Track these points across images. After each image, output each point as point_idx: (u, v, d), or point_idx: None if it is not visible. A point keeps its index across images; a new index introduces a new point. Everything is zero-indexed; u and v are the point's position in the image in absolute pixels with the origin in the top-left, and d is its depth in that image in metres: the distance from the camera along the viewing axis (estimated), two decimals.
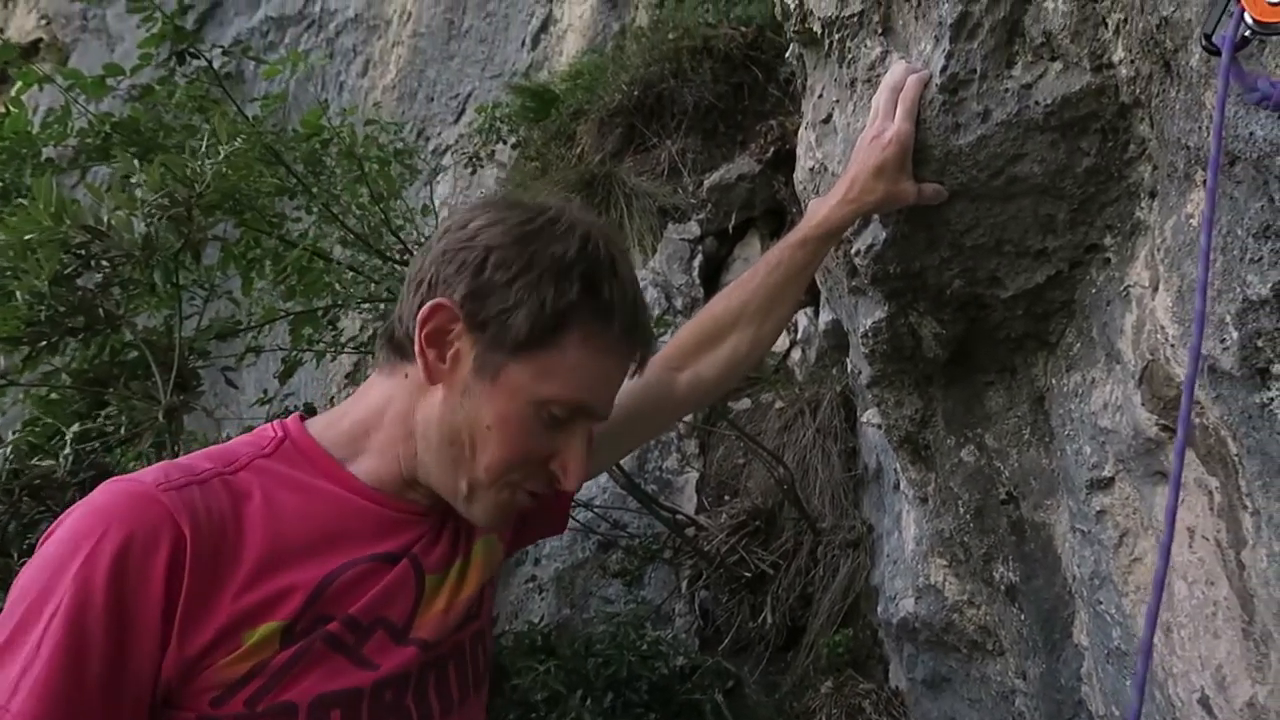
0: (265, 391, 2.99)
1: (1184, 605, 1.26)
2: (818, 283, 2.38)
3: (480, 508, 0.98)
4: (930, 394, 1.80)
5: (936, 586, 2.01)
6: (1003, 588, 1.76)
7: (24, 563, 1.49)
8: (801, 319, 3.70)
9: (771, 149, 3.65)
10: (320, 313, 2.42)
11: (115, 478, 0.90)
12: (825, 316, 2.57)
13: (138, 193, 1.64)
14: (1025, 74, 1.32)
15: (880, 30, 1.50)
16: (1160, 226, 1.23)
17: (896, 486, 2.32)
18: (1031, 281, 1.48)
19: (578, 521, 2.97)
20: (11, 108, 2.30)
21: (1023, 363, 1.63)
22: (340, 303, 2.36)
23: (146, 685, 0.84)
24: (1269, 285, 1.01)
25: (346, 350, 2.61)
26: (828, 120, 1.68)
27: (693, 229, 4.04)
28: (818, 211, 1.40)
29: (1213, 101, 1.03)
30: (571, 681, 2.19)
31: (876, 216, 1.53)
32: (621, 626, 2.41)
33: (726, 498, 3.10)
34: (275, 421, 1.01)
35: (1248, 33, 0.79)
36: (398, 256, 2.79)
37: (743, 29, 4.48)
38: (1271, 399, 1.04)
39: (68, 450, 1.58)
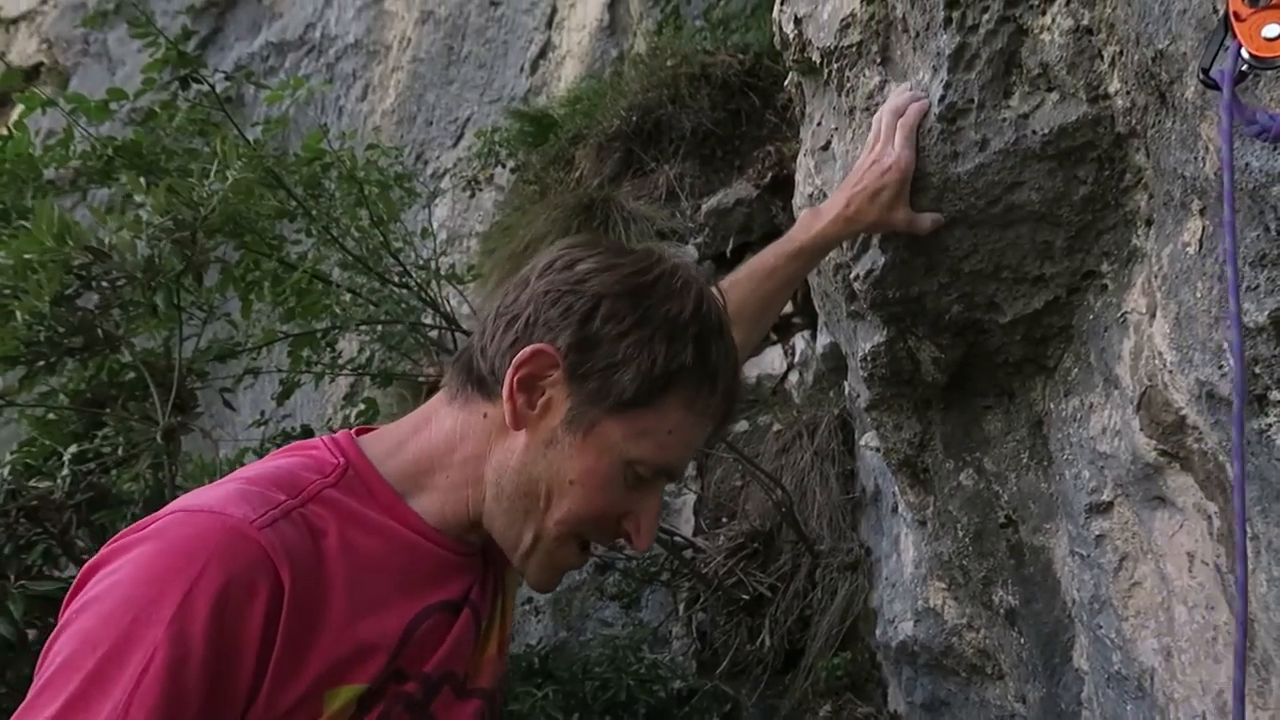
0: (262, 413, 3.00)
1: (1184, 630, 1.27)
2: (816, 306, 2.39)
3: (537, 563, 0.94)
4: (929, 418, 1.82)
5: (935, 610, 2.02)
6: (1002, 611, 1.76)
7: (20, 585, 1.50)
8: (799, 342, 3.71)
9: (769, 174, 3.68)
10: (319, 334, 2.43)
11: (187, 506, 0.82)
12: (823, 340, 2.58)
13: (142, 214, 1.65)
14: (1022, 104, 1.34)
15: (879, 60, 1.53)
16: (1157, 254, 1.24)
17: (895, 510, 2.32)
18: (1029, 307, 1.50)
19: None
20: (15, 131, 2.32)
21: (1021, 387, 1.64)
22: (340, 325, 2.37)
23: None
24: (1266, 313, 1.02)
25: (344, 372, 2.61)
26: (826, 147, 1.70)
27: (690, 253, 4.06)
28: (812, 225, 1.42)
29: (1208, 133, 1.05)
30: (569, 706, 2.18)
31: (876, 242, 1.54)
32: (619, 649, 2.40)
33: (724, 520, 3.11)
34: (327, 440, 0.94)
35: (1244, 67, 0.81)
36: (396, 279, 2.81)
37: (740, 56, 4.52)
38: (1269, 425, 1.06)
39: (65, 471, 1.59)
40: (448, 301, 3.12)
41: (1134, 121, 1.25)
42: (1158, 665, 1.31)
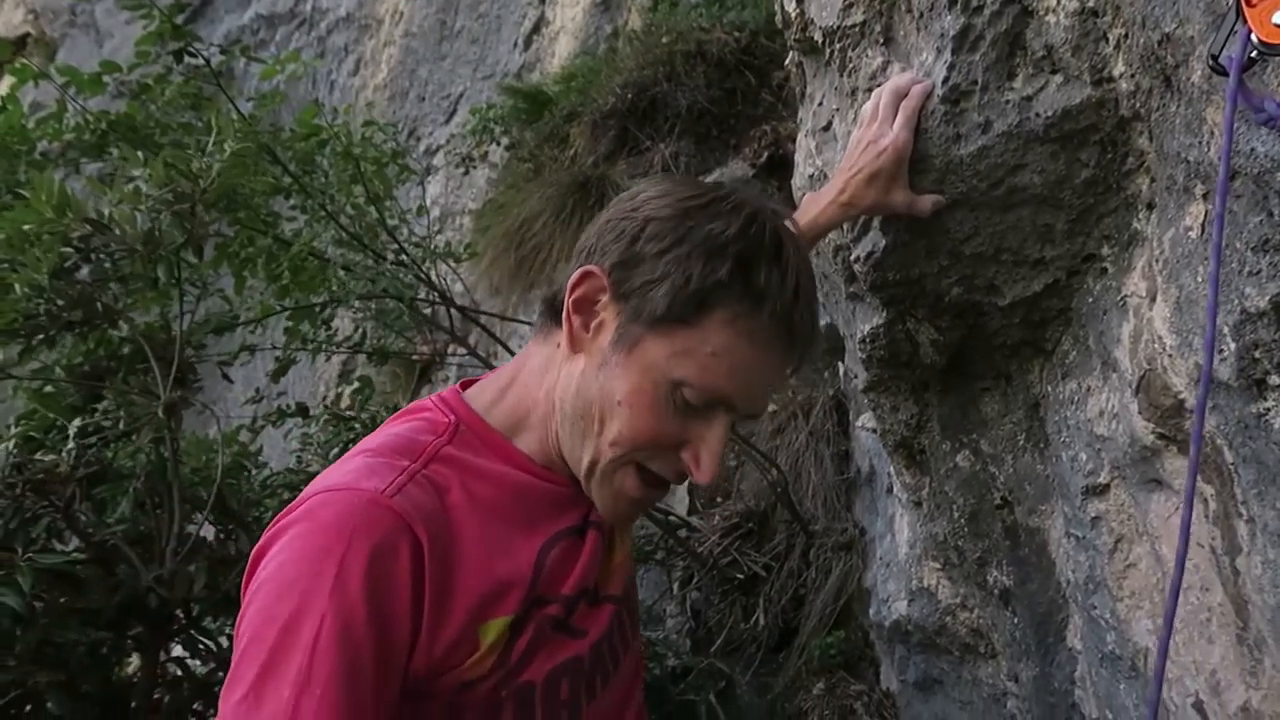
0: (257, 390, 2.99)
1: (1179, 611, 1.28)
2: None
3: (599, 489, 0.96)
4: (926, 399, 1.82)
5: (930, 590, 2.03)
6: (996, 591, 1.78)
7: (28, 558, 1.51)
8: None
9: (765, 154, 3.68)
10: (317, 309, 2.42)
11: (327, 486, 0.88)
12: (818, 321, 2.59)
13: (141, 186, 1.64)
14: (1026, 86, 1.34)
15: (882, 40, 1.52)
16: (1159, 238, 1.25)
17: (890, 490, 2.34)
18: (1029, 290, 1.50)
19: None
20: (6, 104, 2.29)
21: (1019, 369, 1.65)
22: (337, 299, 2.36)
23: (401, 685, 0.85)
24: (1267, 298, 1.03)
25: (340, 350, 2.60)
26: (828, 128, 1.70)
27: None
28: (809, 210, 1.42)
29: (1214, 117, 1.05)
30: None
31: (876, 224, 1.55)
32: None
33: (719, 500, 3.12)
34: (435, 399, 1.00)
35: (1254, 53, 0.81)
36: (392, 256, 2.80)
37: (736, 34, 4.50)
38: (1268, 409, 1.06)
39: (70, 444, 1.59)
40: (443, 279, 3.11)
41: (1138, 105, 1.26)
42: (1152, 645, 1.33)
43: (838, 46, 1.59)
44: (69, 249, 1.66)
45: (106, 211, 1.69)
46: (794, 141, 3.75)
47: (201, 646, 1.87)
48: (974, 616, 1.94)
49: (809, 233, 1.43)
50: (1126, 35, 1.22)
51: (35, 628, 1.34)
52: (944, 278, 1.53)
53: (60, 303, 1.76)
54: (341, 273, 2.45)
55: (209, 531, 1.95)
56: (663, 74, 4.45)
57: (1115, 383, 1.39)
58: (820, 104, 1.71)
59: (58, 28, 9.92)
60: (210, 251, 2.53)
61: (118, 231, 1.66)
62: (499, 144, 5.24)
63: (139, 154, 1.74)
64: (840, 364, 2.98)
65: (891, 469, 2.16)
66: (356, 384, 2.71)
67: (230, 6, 8.78)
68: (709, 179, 4.06)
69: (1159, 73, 1.17)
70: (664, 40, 4.57)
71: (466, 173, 5.46)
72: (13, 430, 1.70)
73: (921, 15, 1.42)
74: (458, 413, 0.98)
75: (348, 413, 2.49)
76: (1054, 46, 1.30)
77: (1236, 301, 1.08)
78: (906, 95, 1.37)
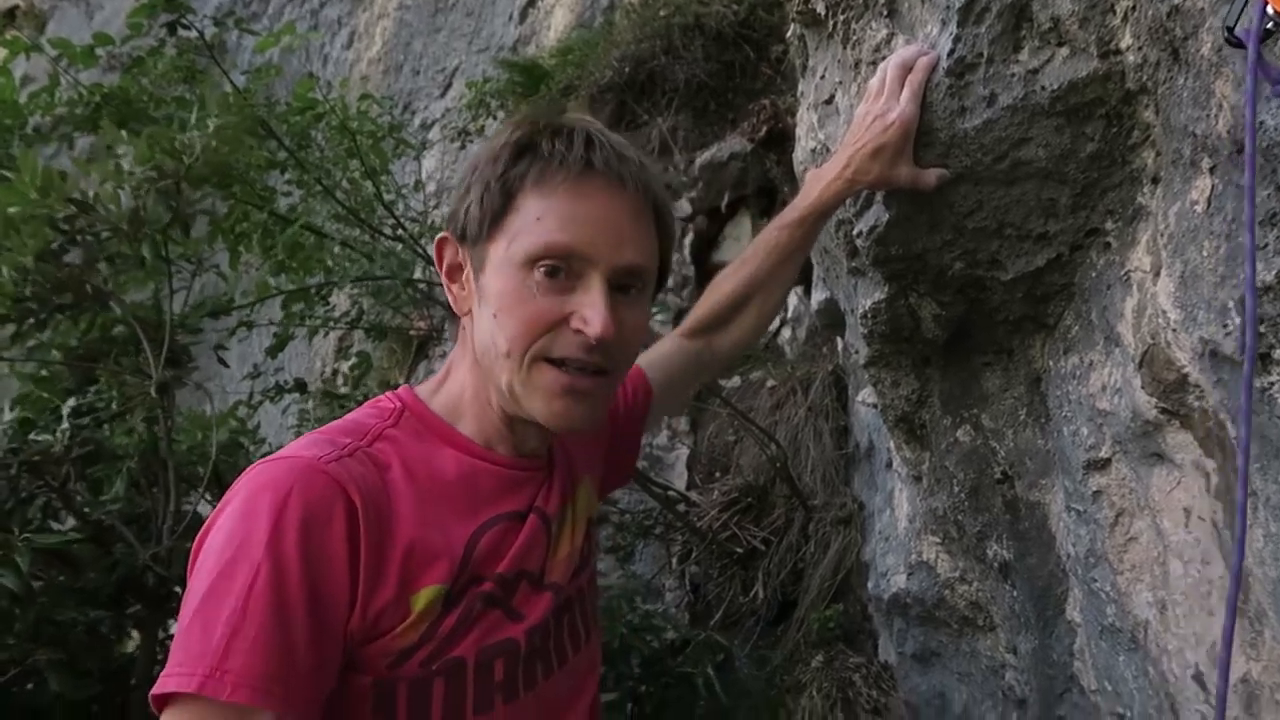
0: (255, 366, 2.98)
1: (1179, 584, 1.29)
2: (813, 262, 2.38)
3: (529, 399, 0.97)
4: (927, 374, 1.82)
5: (929, 563, 2.04)
6: (996, 565, 1.79)
7: (25, 538, 1.51)
8: (791, 298, 3.71)
9: (764, 128, 3.64)
10: (314, 290, 2.40)
11: (266, 459, 0.92)
12: (818, 295, 2.57)
13: (124, 165, 1.62)
14: (1032, 59, 1.32)
15: (886, 12, 1.50)
16: (1164, 213, 1.24)
17: (889, 465, 2.34)
18: (1032, 265, 1.49)
19: None
20: None
21: (1020, 344, 1.65)
22: (335, 280, 2.35)
23: (341, 646, 0.87)
24: (1274, 272, 1.02)
25: (338, 327, 2.59)
26: (830, 101, 1.68)
27: (684, 207, 4.03)
28: (812, 189, 1.42)
29: (1223, 90, 1.04)
30: None
31: (879, 198, 1.53)
32: (614, 600, 2.43)
33: (717, 474, 3.13)
34: (389, 393, 1.05)
35: (1270, 25, 0.80)
36: (389, 231, 2.78)
37: (734, 6, 4.45)
38: (1272, 383, 1.06)
39: (65, 425, 1.58)
40: None
41: (1144, 78, 1.24)
42: (1152, 618, 1.34)
43: (841, 18, 1.57)
44: (55, 231, 1.64)
45: (91, 191, 1.66)
46: (793, 116, 3.72)
47: None
48: (973, 590, 1.94)
49: (815, 212, 1.42)
50: (1134, 7, 1.21)
51: (34, 607, 1.34)
52: (947, 252, 1.52)
53: (48, 285, 1.74)
54: (338, 250, 2.43)
55: (206, 509, 1.95)
56: (660, 47, 4.40)
57: (1118, 357, 1.39)
58: (823, 77, 1.69)
59: (47, 0, 9.80)
60: (204, 227, 2.51)
61: (102, 211, 1.64)
62: (495, 118, 5.20)
63: (122, 131, 1.71)
64: (839, 339, 2.98)
65: (891, 444, 2.17)
66: (355, 359, 2.69)
67: None
68: (707, 154, 4.04)
69: (1167, 45, 1.15)
70: (661, 13, 4.52)
71: (463, 147, 5.41)
72: (8, 414, 1.69)
73: None
74: (404, 400, 1.03)
75: (344, 389, 2.48)
76: (1060, 18, 1.28)
77: (1242, 276, 1.07)
78: (912, 69, 1.36)
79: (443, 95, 6.88)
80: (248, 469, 0.92)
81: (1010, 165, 1.39)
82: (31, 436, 1.56)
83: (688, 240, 3.95)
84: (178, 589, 1.79)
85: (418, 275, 2.90)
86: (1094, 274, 1.45)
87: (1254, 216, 0.89)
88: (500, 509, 0.99)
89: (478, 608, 0.94)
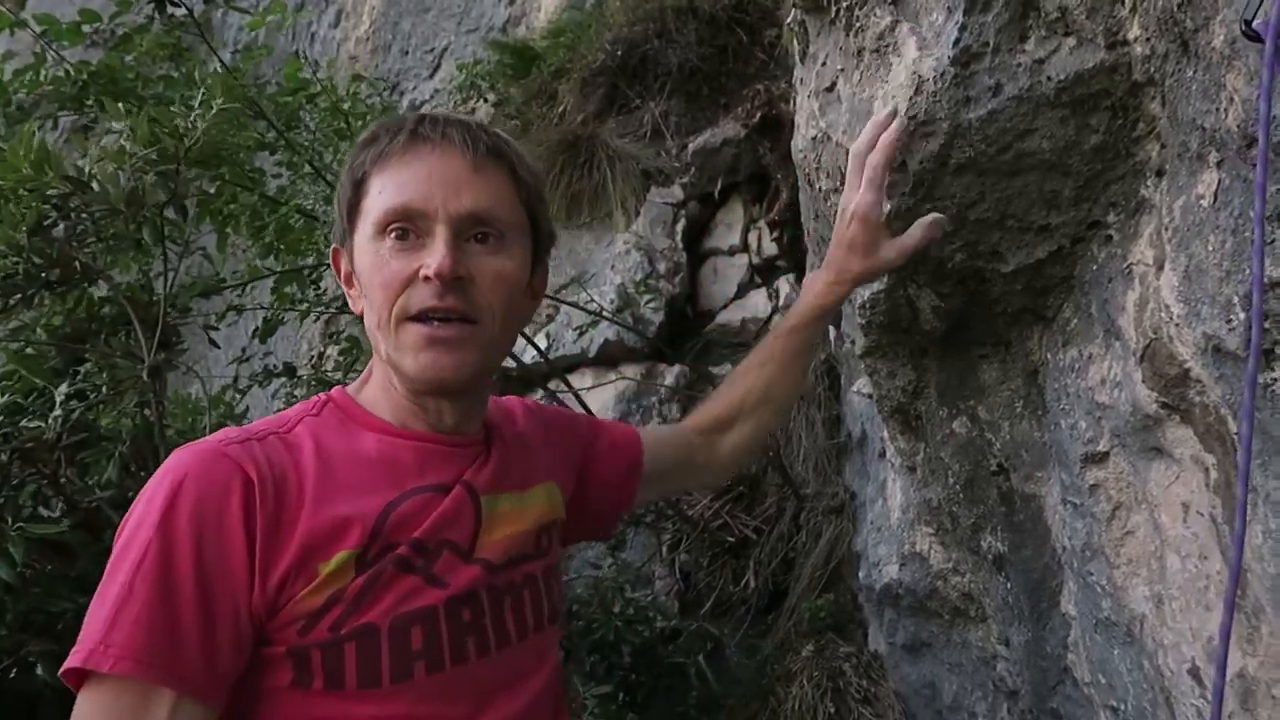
0: (243, 350, 2.95)
1: (1176, 578, 1.29)
2: (810, 251, 2.37)
3: (400, 355, 1.01)
4: (924, 365, 1.82)
5: (922, 554, 2.04)
6: (989, 557, 1.79)
7: (19, 527, 1.48)
8: (784, 285, 3.70)
9: (758, 114, 3.62)
10: (306, 271, 2.37)
11: (182, 446, 0.98)
12: None
13: (124, 144, 1.59)
14: (1038, 49, 1.31)
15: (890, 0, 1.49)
16: (1169, 206, 1.23)
17: (882, 455, 2.34)
18: (1033, 256, 1.49)
19: None
20: None
21: (1018, 336, 1.64)
22: (327, 263, 2.31)
23: (244, 620, 0.90)
24: (1278, 269, 1.02)
25: (329, 310, 2.56)
26: (832, 89, 1.66)
27: (676, 193, 4.01)
28: (806, 294, 1.44)
29: (1234, 83, 1.03)
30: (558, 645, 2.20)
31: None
32: (605, 589, 2.42)
33: None
34: (323, 393, 1.11)
35: None
36: None
37: None
38: (1275, 379, 1.06)
39: (57, 411, 1.55)
40: None
41: (1152, 70, 1.23)
42: (1148, 612, 1.34)
43: (844, 5, 1.55)
44: (48, 207, 1.61)
45: (87, 169, 1.63)
46: (787, 102, 3.70)
47: None
48: (965, 581, 1.95)
49: (811, 319, 1.43)
50: None
51: (26, 597, 1.32)
52: (947, 243, 1.51)
53: (38, 261, 1.71)
54: (331, 232, 2.40)
55: None
56: (653, 31, 4.36)
57: (1118, 351, 1.38)
58: (824, 64, 1.68)
59: None
60: (191, 208, 2.47)
61: (98, 190, 1.61)
62: (486, 100, 5.15)
63: (120, 107, 1.68)
64: (830, 328, 2.97)
65: (885, 434, 2.16)
66: (344, 344, 2.67)
67: None
68: (699, 140, 4.01)
69: (1176, 36, 1.14)
70: None
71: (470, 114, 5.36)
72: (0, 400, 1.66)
73: None
74: (332, 395, 1.09)
75: (335, 375, 2.46)
76: (1068, 8, 1.27)
77: (1249, 272, 1.06)
78: (876, 147, 1.34)
79: (431, 76, 6.81)
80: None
81: (1014, 156, 1.38)
82: (24, 424, 1.54)
83: (679, 227, 3.93)
84: None
85: None
86: (1095, 267, 1.44)
87: (1263, 212, 0.89)
88: (423, 481, 1.02)
89: (389, 571, 0.95)
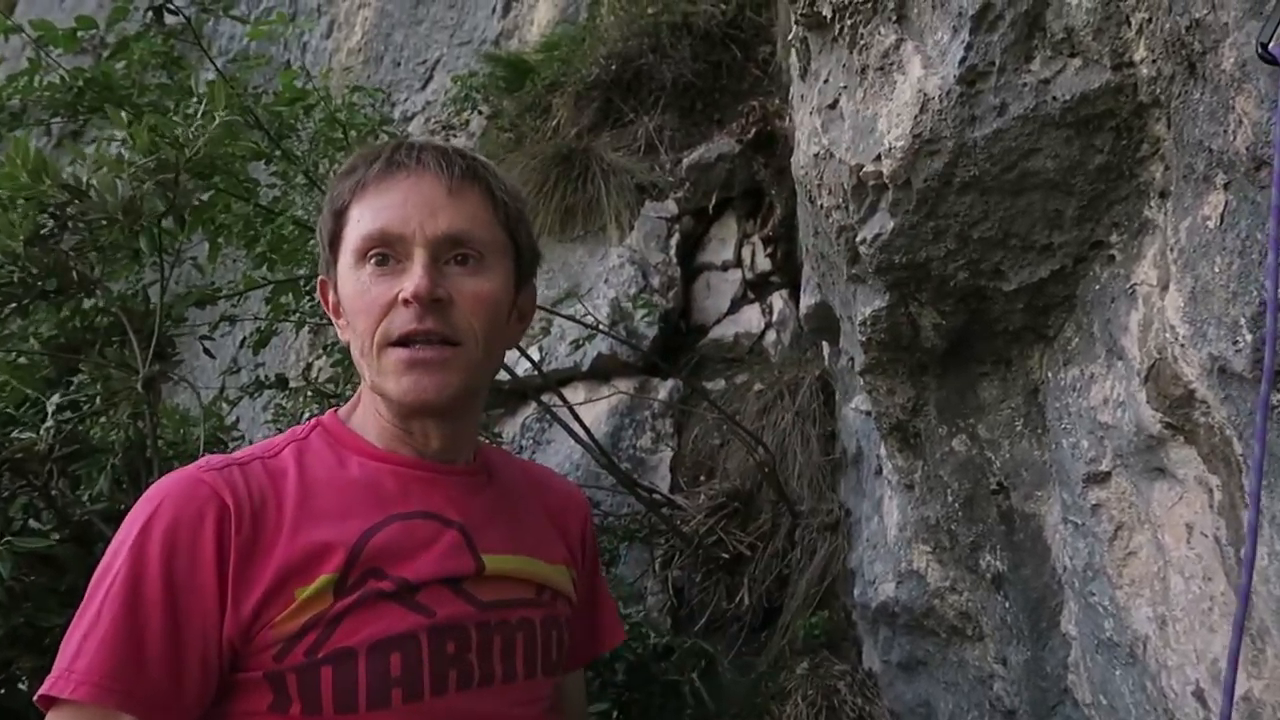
0: (234, 360, 2.92)
1: (1180, 600, 1.29)
2: (807, 268, 2.37)
3: (384, 379, 1.00)
4: (924, 383, 1.81)
5: (919, 572, 2.04)
6: (988, 576, 1.78)
7: (7, 542, 1.46)
8: (777, 301, 3.70)
9: (753, 129, 3.63)
10: (302, 281, 2.36)
11: (167, 474, 0.99)
12: (806, 300, 2.56)
13: (124, 152, 1.57)
14: (1044, 69, 1.32)
15: (895, 17, 1.49)
16: (1174, 227, 1.24)
17: (878, 472, 2.33)
18: (1035, 276, 1.49)
19: None
20: None
21: (1019, 355, 1.64)
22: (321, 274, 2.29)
23: (213, 646, 0.90)
24: None
25: (324, 321, 2.54)
26: (834, 106, 1.66)
27: (670, 207, 4.01)
28: None
29: (1244, 106, 1.04)
30: None
31: (885, 205, 1.52)
32: None
33: (702, 478, 3.11)
34: (315, 417, 1.11)
35: None
36: None
37: (722, 6, 4.44)
38: (1279, 401, 1.06)
39: (49, 423, 1.53)
40: None
41: (1158, 91, 1.24)
42: (1151, 633, 1.33)
43: (848, 22, 1.55)
44: (45, 216, 1.59)
45: (84, 177, 1.61)
46: (782, 118, 3.72)
47: None
48: (963, 600, 1.94)
49: None
50: (1150, 19, 1.20)
51: (15, 611, 1.29)
52: (950, 261, 1.51)
53: (34, 270, 1.69)
54: None
55: None
56: (648, 45, 4.37)
57: (1121, 370, 1.39)
58: (826, 81, 1.68)
59: None
60: (186, 218, 2.45)
61: (96, 198, 1.59)
62: (480, 113, 5.15)
63: (122, 114, 1.66)
64: (825, 344, 2.97)
65: (882, 451, 2.16)
66: (336, 355, 2.65)
67: None
68: (694, 155, 4.02)
69: (1183, 59, 1.15)
70: (649, 11, 4.49)
71: (446, 140, 5.35)
72: None
73: None
74: (322, 420, 1.09)
75: (329, 386, 2.44)
76: (1074, 29, 1.27)
77: (1256, 293, 1.07)
78: None
79: (424, 88, 6.81)
80: None
81: (1018, 175, 1.38)
82: (15, 435, 1.51)
83: (674, 241, 3.94)
84: None
85: None
86: (1097, 286, 1.44)
87: (1278, 234, 0.89)
88: (407, 507, 1.01)
89: (369, 597, 0.94)
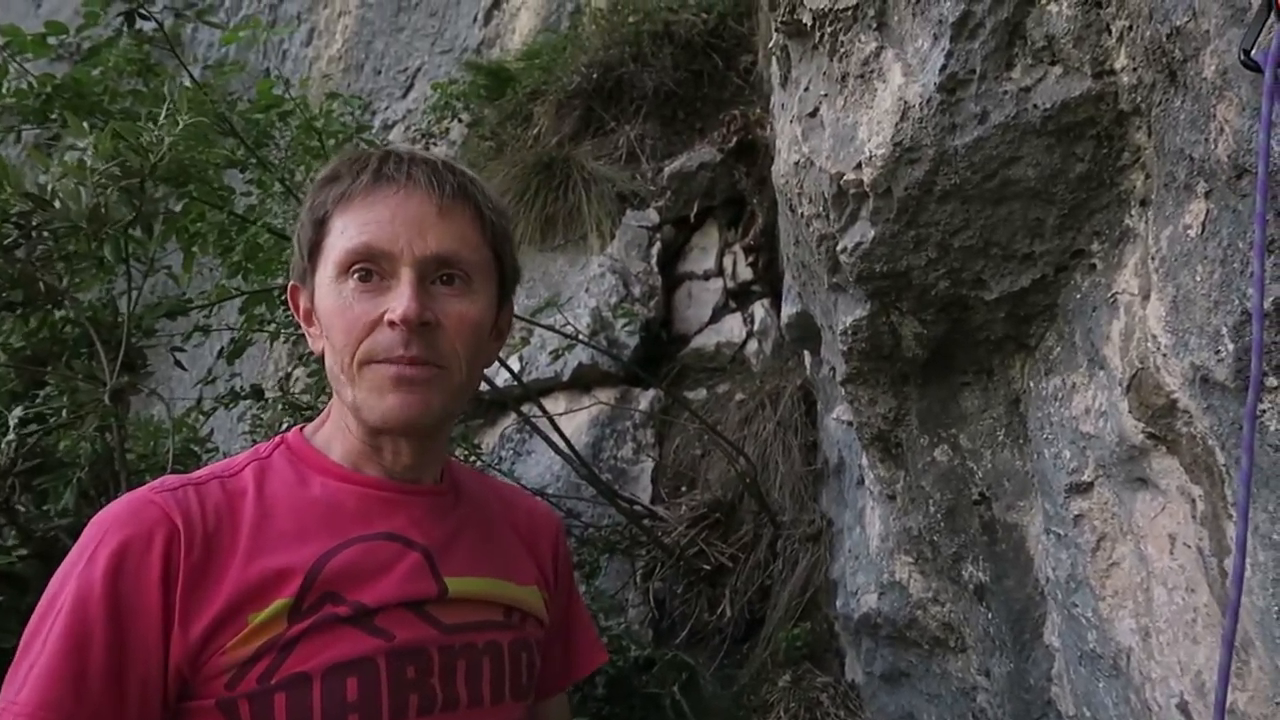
0: (209, 371, 2.88)
1: (1163, 611, 1.28)
2: (789, 277, 2.36)
3: (365, 397, 0.97)
4: (905, 393, 1.80)
5: (901, 583, 2.02)
6: (971, 587, 1.77)
7: None
8: (758, 310, 3.69)
9: (734, 138, 3.62)
10: (276, 292, 2.32)
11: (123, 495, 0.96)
12: (788, 309, 2.55)
13: (86, 159, 1.53)
14: (1025, 77, 1.31)
15: (875, 25, 1.48)
16: (1155, 236, 1.23)
17: (860, 482, 2.32)
18: (1016, 285, 1.48)
19: None
20: None
21: (1000, 364, 1.64)
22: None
23: (155, 671, 0.87)
24: (1270, 299, 1.01)
25: (299, 332, 2.51)
26: (814, 114, 1.65)
27: (651, 216, 4.00)
28: None
29: (1225, 114, 1.03)
30: None
31: (866, 214, 1.51)
32: None
33: (683, 489, 3.08)
34: (280, 435, 1.08)
35: None
36: None
37: (704, 15, 4.44)
38: (1264, 410, 1.05)
39: (11, 435, 1.49)
40: None
41: (1139, 99, 1.23)
42: (1135, 645, 1.32)
43: (828, 30, 1.54)
44: (9, 225, 1.55)
45: (49, 186, 1.57)
46: (763, 127, 3.71)
47: None
48: (946, 611, 1.93)
49: None
50: (1131, 27, 1.20)
51: None
52: (931, 270, 1.50)
53: None
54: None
55: None
56: (629, 54, 4.37)
57: (1103, 380, 1.38)
58: (807, 89, 1.67)
59: None
60: (157, 226, 2.40)
61: (60, 207, 1.55)
62: (460, 120, 5.12)
63: (84, 124, 1.62)
64: (807, 353, 2.96)
65: (864, 461, 2.14)
66: (313, 366, 2.61)
67: None
68: (675, 163, 4.01)
69: (1164, 67, 1.14)
70: (630, 20, 4.49)
71: (426, 149, 5.33)
72: None
73: (918, 0, 1.38)
74: (285, 438, 1.06)
75: (305, 397, 2.40)
76: (1055, 37, 1.27)
77: (1237, 302, 1.06)
78: None
79: (404, 96, 6.78)
80: None
81: (999, 184, 1.37)
82: None
83: (654, 250, 3.92)
84: None
85: None
86: (1078, 295, 1.44)
87: (1264, 242, 0.88)
88: (367, 529, 0.98)
89: (326, 622, 0.92)
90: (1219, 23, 0.98)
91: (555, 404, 3.50)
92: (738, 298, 3.77)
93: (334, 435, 1.03)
